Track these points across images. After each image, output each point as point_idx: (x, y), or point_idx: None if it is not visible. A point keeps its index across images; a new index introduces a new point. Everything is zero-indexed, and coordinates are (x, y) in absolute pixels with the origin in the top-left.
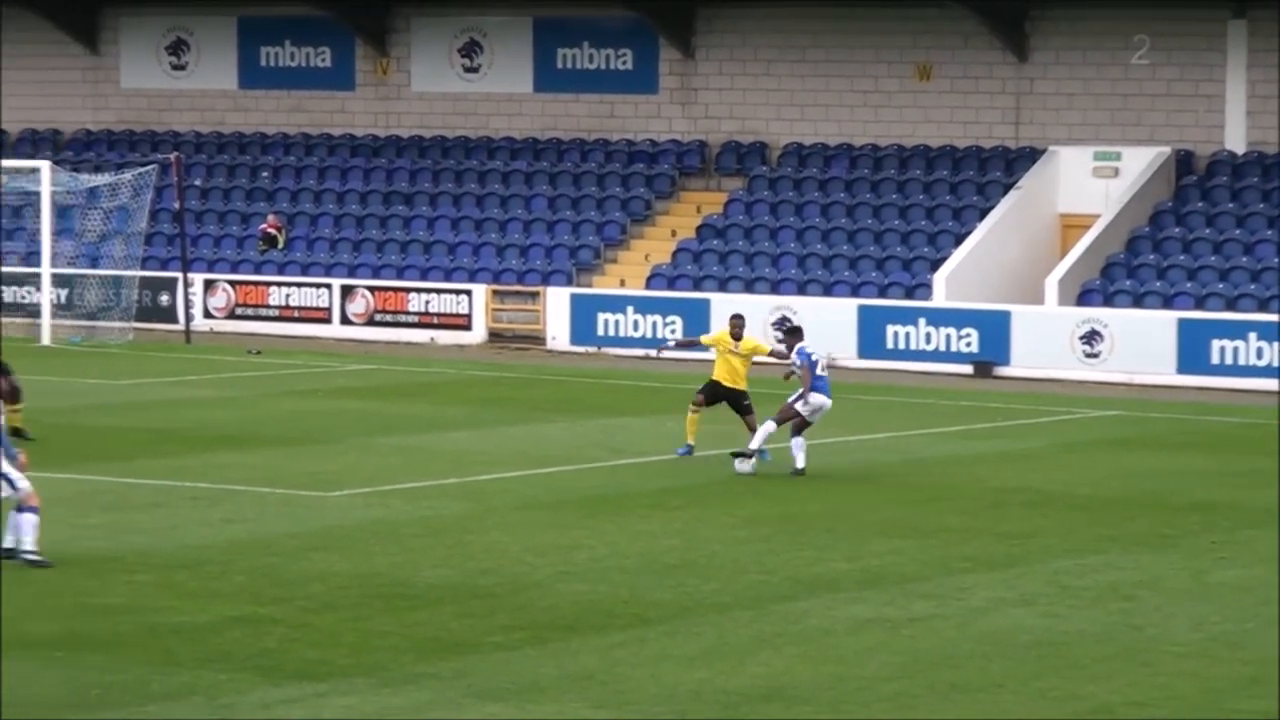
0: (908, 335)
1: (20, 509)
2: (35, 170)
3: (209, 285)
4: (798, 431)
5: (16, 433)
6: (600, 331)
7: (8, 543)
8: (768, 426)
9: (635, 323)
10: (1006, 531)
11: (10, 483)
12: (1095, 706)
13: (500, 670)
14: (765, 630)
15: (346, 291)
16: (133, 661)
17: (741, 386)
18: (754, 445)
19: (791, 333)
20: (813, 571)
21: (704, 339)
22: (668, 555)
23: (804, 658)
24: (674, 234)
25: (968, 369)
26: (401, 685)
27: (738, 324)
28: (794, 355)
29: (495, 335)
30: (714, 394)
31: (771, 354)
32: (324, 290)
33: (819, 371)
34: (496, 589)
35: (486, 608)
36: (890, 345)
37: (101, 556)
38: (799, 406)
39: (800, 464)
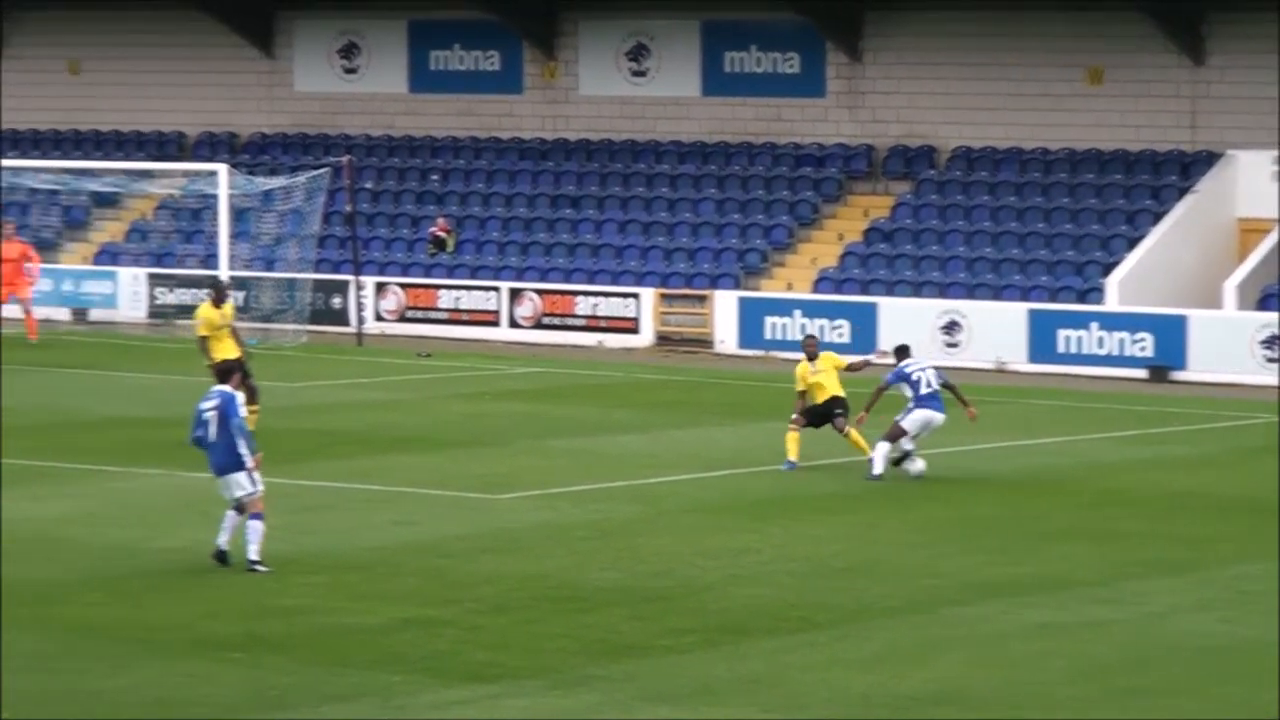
0: (1080, 339)
1: (249, 515)
2: (213, 173)
3: (380, 288)
4: (890, 439)
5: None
6: (768, 335)
7: (222, 543)
8: (880, 448)
9: (802, 326)
10: (1184, 536)
11: (253, 481)
12: (1277, 714)
13: (670, 673)
14: (936, 635)
15: (514, 294)
16: (308, 663)
17: (839, 394)
18: (876, 471)
19: (899, 351)
20: (985, 576)
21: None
22: (837, 559)
23: (976, 662)
24: (841, 238)
25: (1142, 373)
26: (572, 687)
27: (811, 343)
28: (888, 376)
29: (663, 338)
30: (817, 416)
31: (849, 367)
32: (492, 293)
33: (923, 390)
34: (667, 592)
35: (657, 610)
36: (1061, 349)
37: (278, 558)
38: (904, 423)
39: (878, 470)
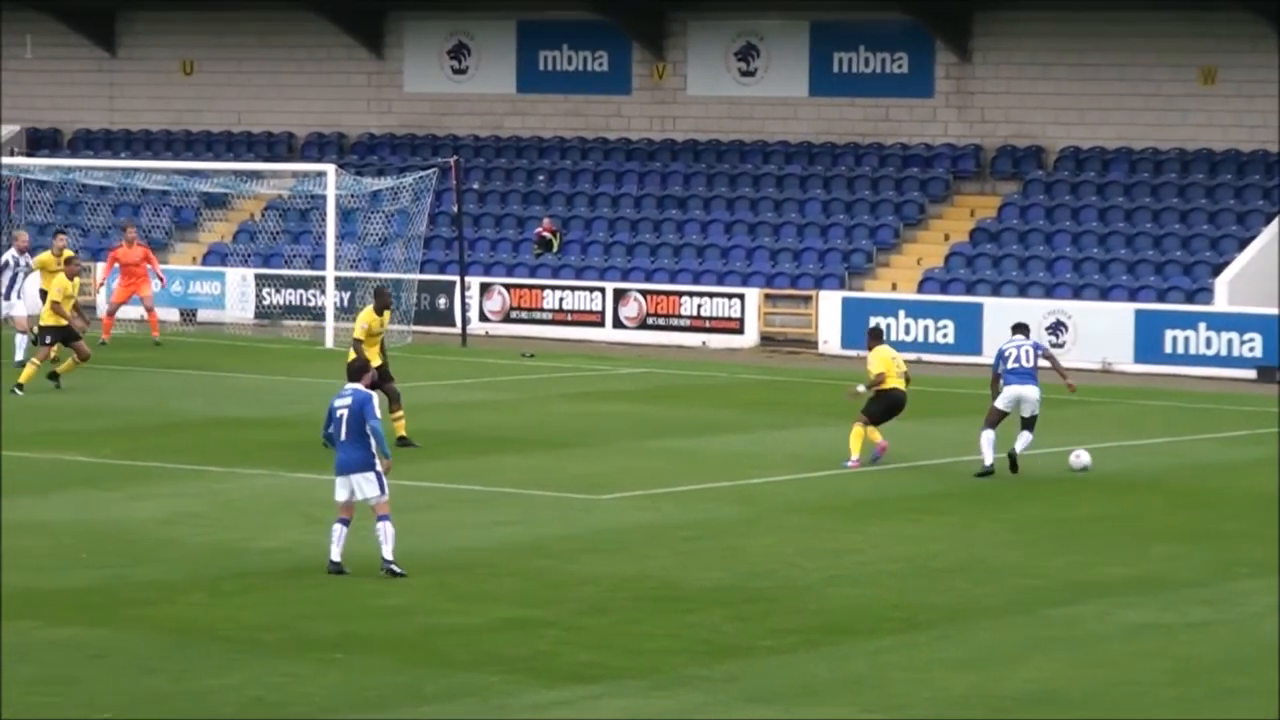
0: (1187, 340)
1: (378, 518)
2: (321, 174)
3: (485, 289)
4: (990, 425)
5: (403, 441)
6: None
7: (335, 555)
8: (985, 438)
9: (907, 326)
10: None
11: (381, 485)
12: None
13: (772, 673)
14: (1037, 635)
15: (619, 295)
16: (407, 663)
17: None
18: (987, 463)
19: (1016, 329)
20: (1085, 576)
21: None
22: (937, 559)
23: (1077, 663)
24: (947, 238)
25: (1251, 374)
26: (674, 688)
27: (874, 336)
28: (994, 360)
29: (767, 339)
30: (889, 408)
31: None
32: (597, 294)
33: (1010, 365)
34: (768, 592)
35: (758, 611)
36: (1169, 350)
37: (368, 559)
38: (997, 404)
39: (988, 461)
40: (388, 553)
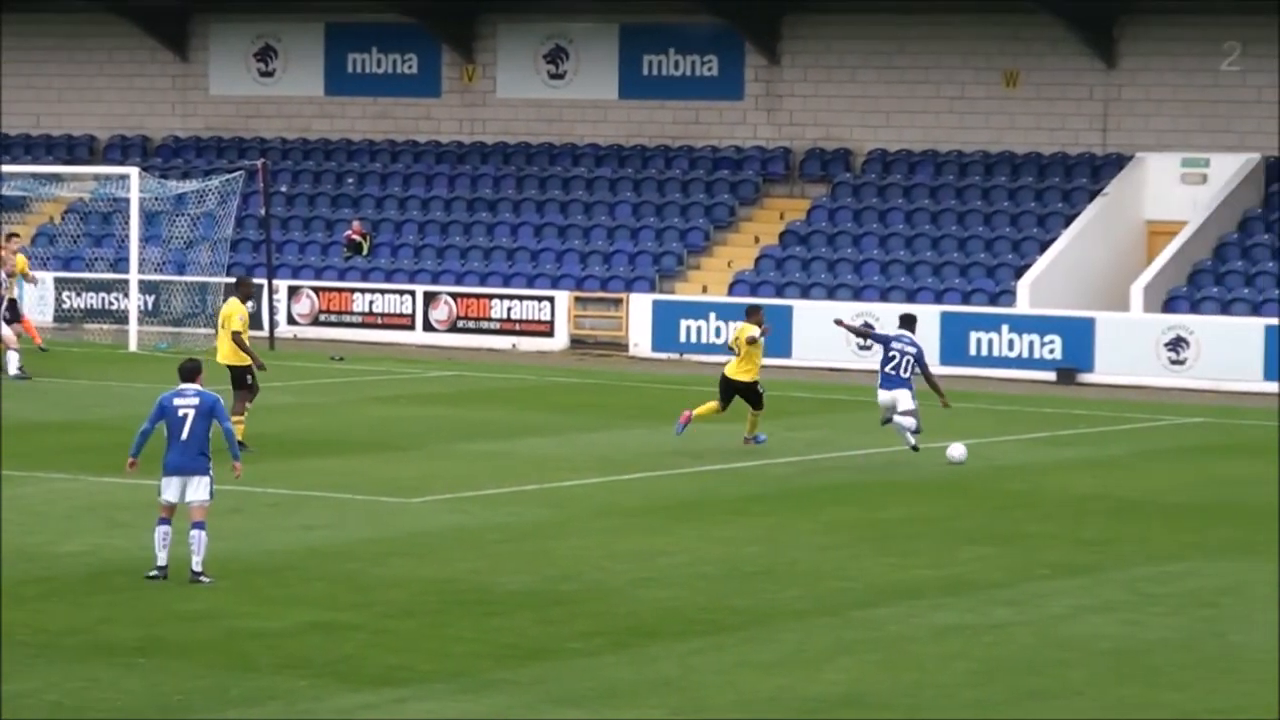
0: (990, 342)
1: (193, 525)
2: (125, 177)
3: (293, 292)
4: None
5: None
6: (682, 338)
7: (163, 559)
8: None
9: (718, 329)
10: (1088, 538)
11: (211, 489)
12: (1176, 714)
13: (579, 676)
14: (845, 637)
15: (430, 298)
16: (212, 667)
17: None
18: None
19: (905, 321)
20: (894, 578)
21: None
22: (748, 562)
23: (884, 665)
24: (757, 240)
25: (1051, 376)
26: (481, 691)
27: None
28: (884, 335)
29: (577, 341)
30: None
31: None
32: (407, 297)
33: (888, 370)
34: (576, 595)
35: (566, 614)
36: (973, 352)
37: (182, 562)
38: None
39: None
40: (197, 563)
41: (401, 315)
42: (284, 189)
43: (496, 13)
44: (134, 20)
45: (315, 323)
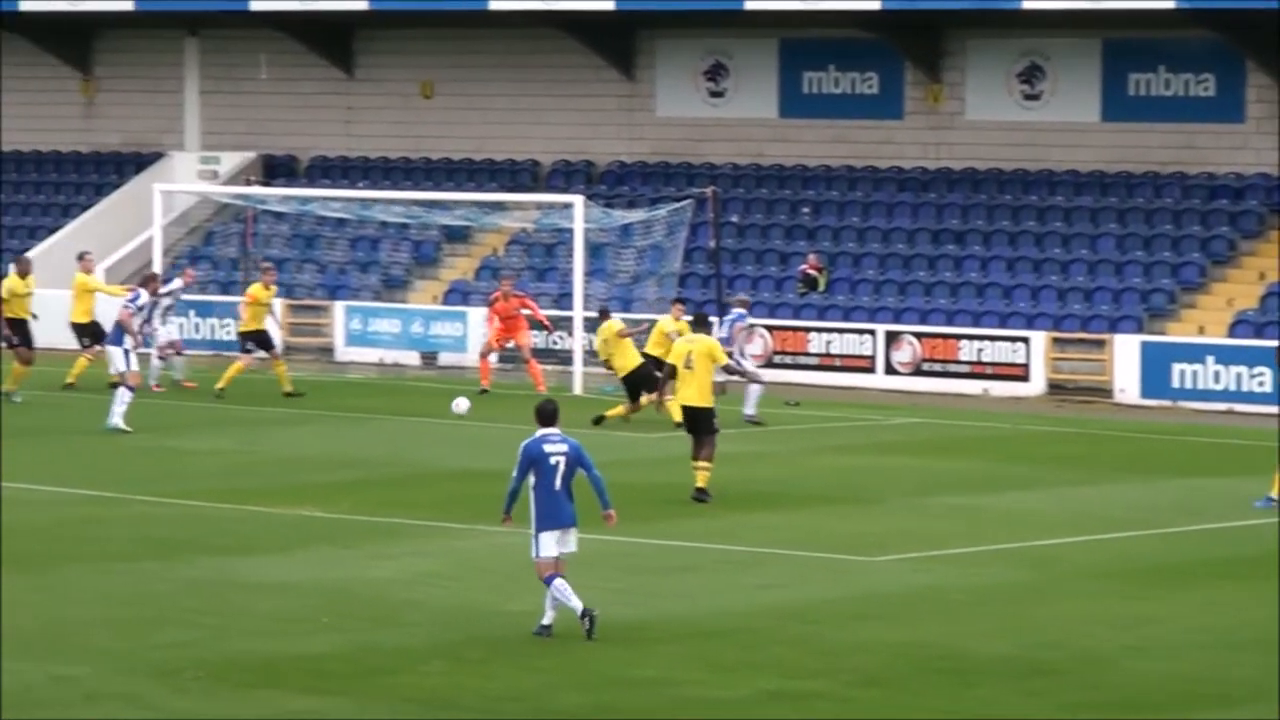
0: None
1: (553, 576)
2: (568, 205)
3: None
4: None
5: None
6: (1175, 383)
7: (550, 619)
8: None
9: (1216, 374)
10: None
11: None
12: None
13: None
14: None
15: (891, 338)
16: None
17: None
18: None
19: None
20: None
21: None
22: (1248, 629)
23: None
24: (1262, 277)
25: None
26: None
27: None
28: None
29: (1056, 387)
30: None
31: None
32: (867, 337)
33: None
34: (1060, 664)
35: (1050, 685)
36: None
37: (630, 624)
38: None
39: None
40: (579, 604)
41: (861, 356)
42: (734, 219)
43: (965, 28)
44: (578, 37)
45: (768, 364)
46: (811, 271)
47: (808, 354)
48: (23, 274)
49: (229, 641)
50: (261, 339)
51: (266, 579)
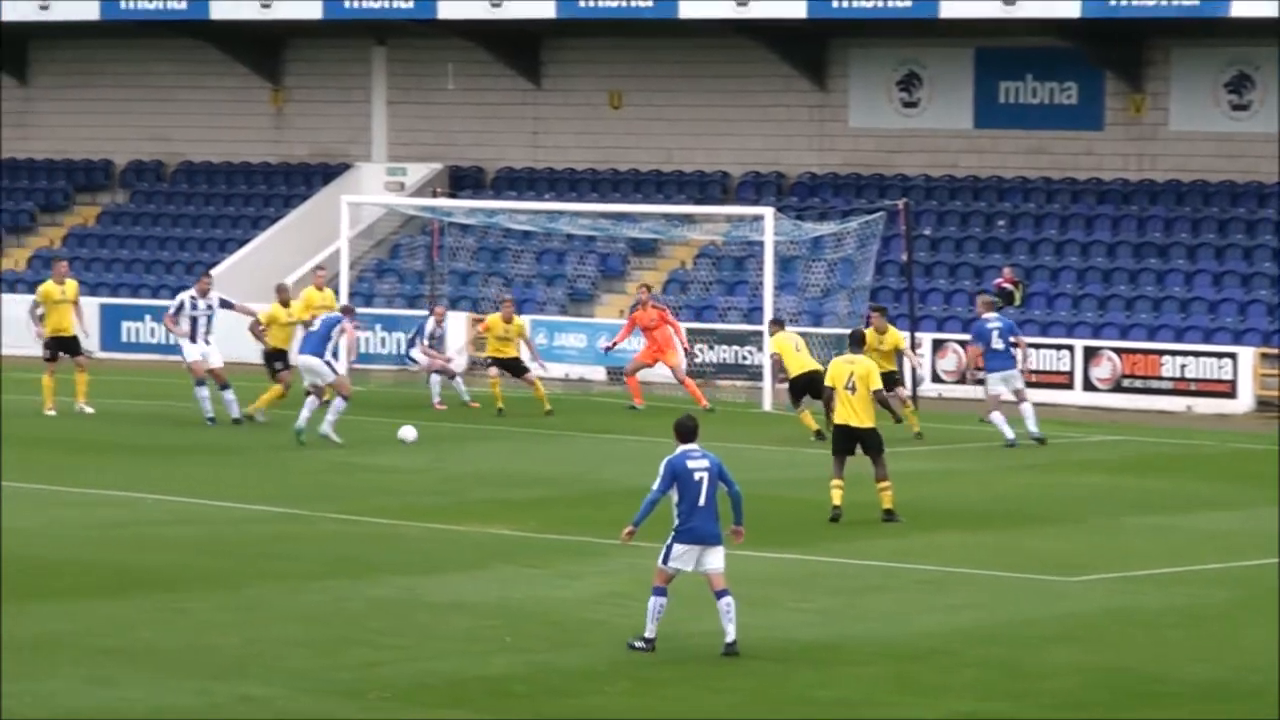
0: None
1: (720, 591)
2: (759, 217)
3: (938, 346)
4: None
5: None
6: None
7: (650, 632)
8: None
9: None
10: None
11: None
12: None
13: None
14: None
15: (1090, 354)
16: None
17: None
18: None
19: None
20: None
21: None
22: None
23: None
24: None
25: None
26: None
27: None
28: None
29: (1265, 404)
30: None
31: None
32: (1065, 352)
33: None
34: (1264, 688)
35: (1254, 709)
36: None
37: (821, 644)
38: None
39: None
40: (732, 633)
41: (1059, 373)
42: (927, 232)
43: (1169, 37)
44: (769, 46)
45: (962, 380)
46: (1007, 285)
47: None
48: (284, 302)
49: (415, 662)
50: (513, 365)
51: (452, 598)
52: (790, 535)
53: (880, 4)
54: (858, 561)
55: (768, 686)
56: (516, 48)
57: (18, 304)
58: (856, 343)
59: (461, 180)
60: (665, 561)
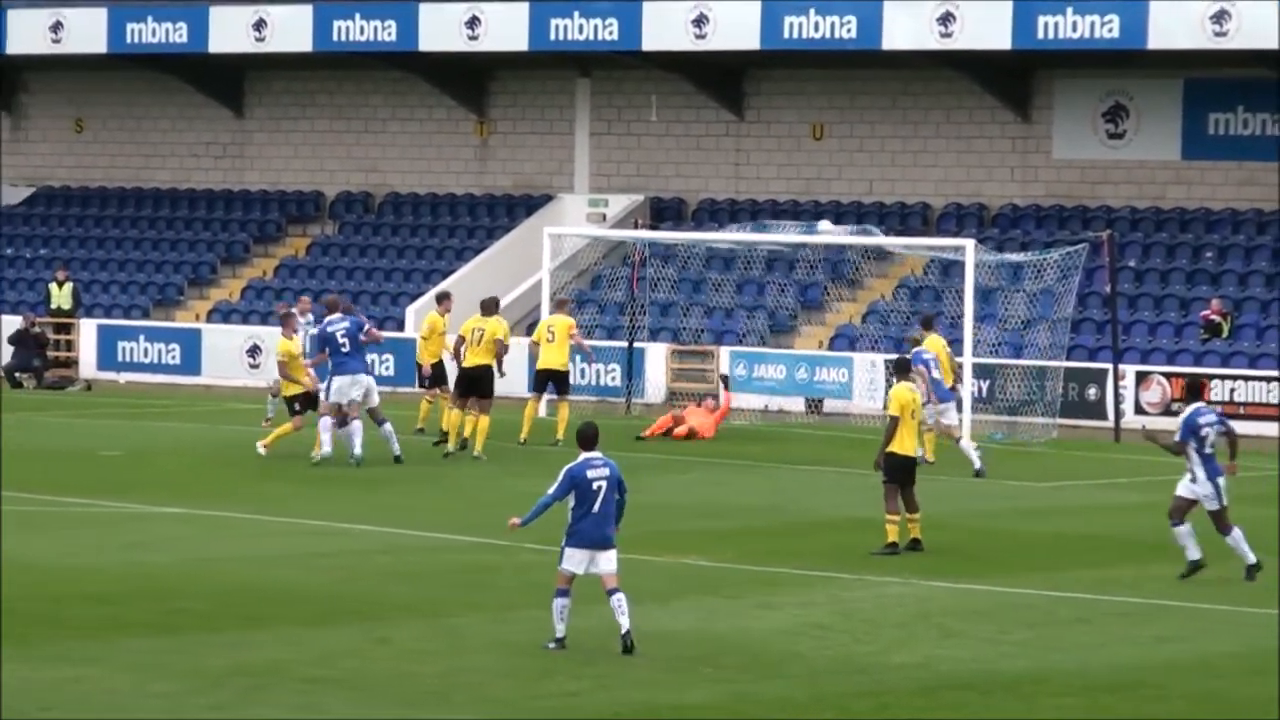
0: None
1: (611, 590)
2: (959, 248)
3: (1141, 378)
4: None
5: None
6: None
7: (561, 631)
8: None
9: None
10: None
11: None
12: None
13: None
14: None
15: None
16: None
17: None
18: None
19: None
20: None
21: None
22: None
23: None
24: None
25: None
26: None
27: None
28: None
29: None
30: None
31: None
32: (1274, 385)
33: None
34: None
35: None
36: None
37: (1023, 676)
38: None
39: None
40: (627, 625)
41: (1266, 405)
42: (1132, 263)
43: None
44: (974, 78)
45: (1166, 412)
46: (1215, 317)
47: (1210, 402)
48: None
49: (611, 691)
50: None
51: (649, 628)
52: (988, 565)
53: (1086, 35)
54: (1059, 593)
55: (972, 718)
56: (720, 79)
57: (231, 335)
58: (901, 370)
59: (663, 211)
60: (561, 563)
